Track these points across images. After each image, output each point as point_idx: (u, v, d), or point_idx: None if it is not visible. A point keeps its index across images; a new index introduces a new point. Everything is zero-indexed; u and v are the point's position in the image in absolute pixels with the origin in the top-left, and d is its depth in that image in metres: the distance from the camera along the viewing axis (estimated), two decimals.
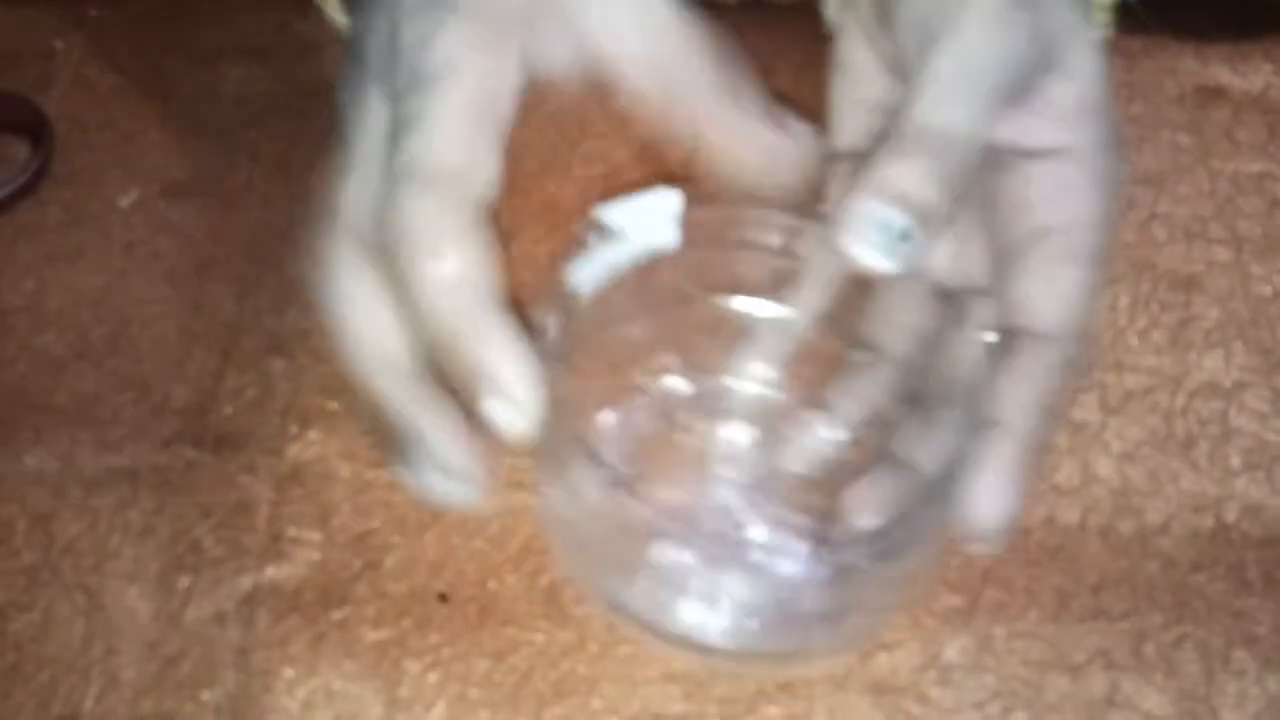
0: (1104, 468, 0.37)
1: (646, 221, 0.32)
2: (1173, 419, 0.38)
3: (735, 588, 0.30)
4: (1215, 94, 0.46)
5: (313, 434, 0.38)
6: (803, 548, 0.33)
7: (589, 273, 0.31)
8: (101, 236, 0.43)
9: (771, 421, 0.35)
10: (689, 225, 0.32)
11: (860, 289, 0.33)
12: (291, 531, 0.36)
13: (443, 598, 0.35)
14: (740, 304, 0.35)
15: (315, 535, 0.36)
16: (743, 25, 0.48)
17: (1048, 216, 0.31)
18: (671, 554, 0.29)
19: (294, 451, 0.38)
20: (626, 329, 0.35)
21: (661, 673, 0.34)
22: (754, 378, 0.35)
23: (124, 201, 0.44)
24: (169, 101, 0.46)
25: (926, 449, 0.32)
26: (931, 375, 0.33)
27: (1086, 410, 0.38)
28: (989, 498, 0.29)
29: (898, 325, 0.34)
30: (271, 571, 0.36)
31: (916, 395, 0.33)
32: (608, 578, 0.31)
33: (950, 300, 0.32)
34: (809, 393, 0.35)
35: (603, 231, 0.31)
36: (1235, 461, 0.38)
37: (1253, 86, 0.46)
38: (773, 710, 0.33)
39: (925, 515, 0.30)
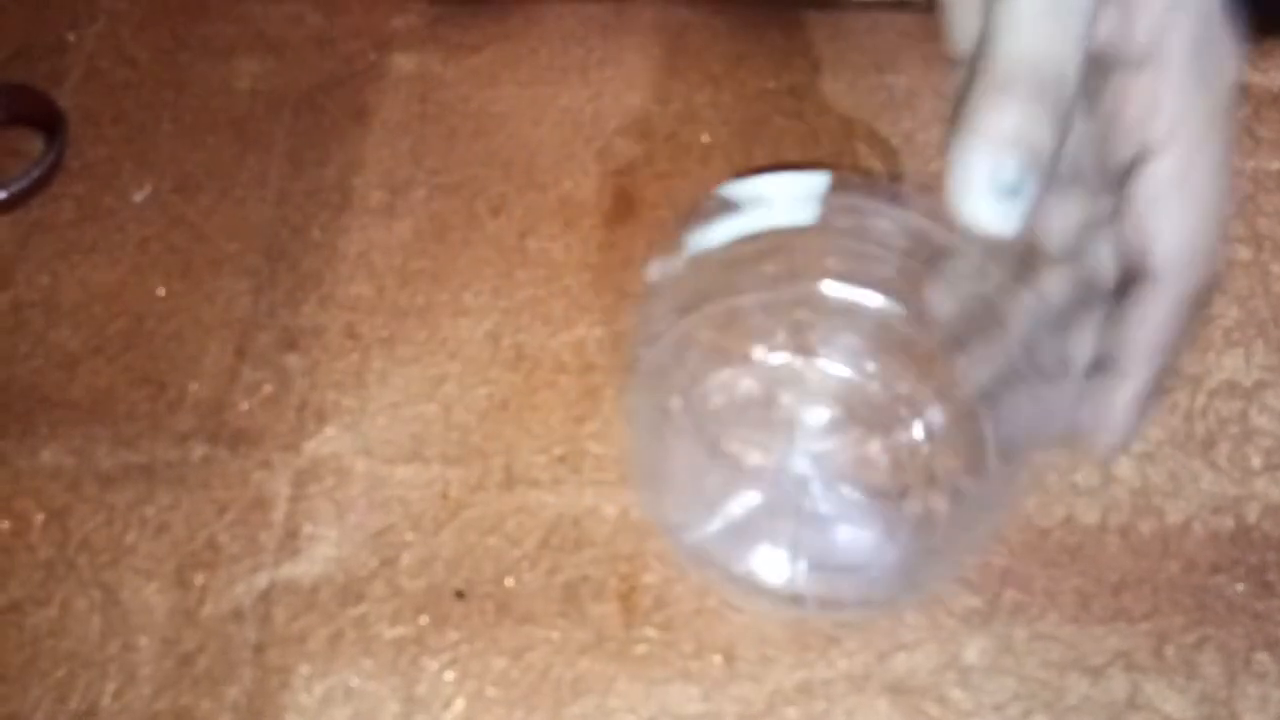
0: (1124, 468, 0.37)
1: (785, 197, 0.32)
2: (1193, 419, 0.38)
3: (804, 538, 0.33)
4: (1235, 91, 0.45)
5: (329, 430, 0.38)
6: (874, 506, 0.35)
7: (708, 239, 0.33)
8: (116, 231, 0.43)
9: (854, 405, 0.36)
10: (828, 206, 0.33)
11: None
12: (308, 528, 0.36)
13: (460, 595, 0.35)
14: (847, 292, 0.36)
15: (332, 532, 0.36)
16: (762, 22, 0.48)
17: (1146, 135, 0.28)
18: (747, 503, 0.33)
19: (310, 447, 0.38)
20: (745, 298, 0.36)
21: (679, 672, 0.34)
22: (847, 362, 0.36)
23: (138, 195, 0.44)
24: (182, 94, 0.46)
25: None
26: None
27: None
28: (1107, 436, 0.30)
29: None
30: (288, 568, 0.36)
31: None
32: (686, 520, 0.34)
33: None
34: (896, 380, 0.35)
35: (725, 205, 0.32)
36: (1256, 461, 0.37)
37: (1274, 84, 0.45)
38: (791, 711, 0.33)
39: (1001, 476, 0.31)
